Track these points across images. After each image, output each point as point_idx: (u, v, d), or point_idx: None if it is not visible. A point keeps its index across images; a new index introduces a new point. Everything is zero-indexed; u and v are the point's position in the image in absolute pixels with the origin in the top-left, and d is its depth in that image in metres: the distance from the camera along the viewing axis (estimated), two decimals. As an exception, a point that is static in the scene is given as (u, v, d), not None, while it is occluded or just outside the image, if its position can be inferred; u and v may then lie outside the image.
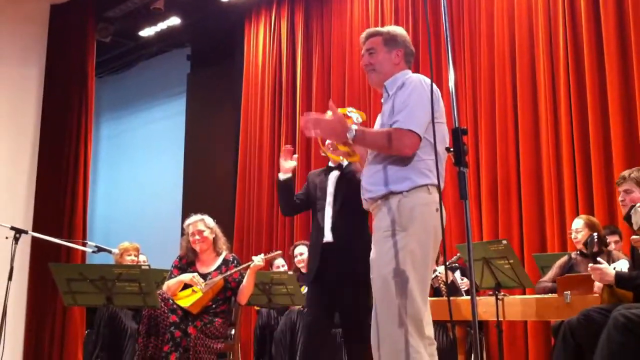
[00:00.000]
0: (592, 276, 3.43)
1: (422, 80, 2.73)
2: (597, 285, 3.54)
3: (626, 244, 4.77)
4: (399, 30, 2.93)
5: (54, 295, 7.07)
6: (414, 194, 2.62)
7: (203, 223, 4.58)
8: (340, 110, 2.76)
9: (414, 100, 2.65)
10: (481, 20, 6.15)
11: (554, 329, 4.08)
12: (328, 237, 3.71)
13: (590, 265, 3.40)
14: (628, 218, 3.22)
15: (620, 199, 3.55)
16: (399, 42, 2.87)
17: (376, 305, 2.62)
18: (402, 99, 2.68)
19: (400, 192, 2.63)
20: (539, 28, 5.72)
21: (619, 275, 3.30)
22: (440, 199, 2.58)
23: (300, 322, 5.08)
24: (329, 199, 3.75)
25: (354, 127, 2.66)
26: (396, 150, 2.63)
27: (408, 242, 2.58)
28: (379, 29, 2.98)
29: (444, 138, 2.72)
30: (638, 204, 3.23)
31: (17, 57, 7.90)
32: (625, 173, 3.53)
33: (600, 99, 5.29)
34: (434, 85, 2.64)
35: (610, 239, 4.61)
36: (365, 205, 2.83)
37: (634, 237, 3.13)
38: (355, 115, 3.05)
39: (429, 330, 2.67)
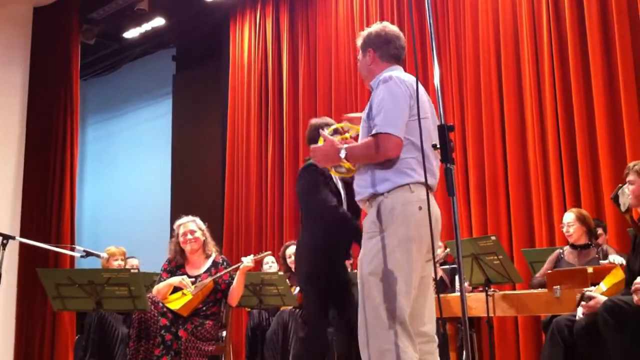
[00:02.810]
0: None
1: (395, 78, 2.71)
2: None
3: (611, 237, 4.80)
4: (373, 28, 2.93)
5: (43, 300, 7.03)
6: (394, 194, 2.63)
7: (195, 224, 4.59)
8: (336, 125, 2.91)
9: (387, 101, 2.65)
10: (466, 17, 6.16)
11: (544, 323, 4.10)
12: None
13: (582, 304, 3.24)
14: (615, 198, 3.18)
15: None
16: (368, 43, 2.90)
17: (362, 305, 2.63)
18: (377, 101, 2.69)
19: (382, 194, 2.65)
20: (523, 23, 5.75)
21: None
22: (428, 195, 2.57)
23: (293, 322, 5.07)
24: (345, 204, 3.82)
25: (344, 146, 2.72)
26: (382, 157, 2.64)
27: (388, 242, 2.58)
28: (361, 33, 3.00)
29: (429, 133, 2.68)
30: (626, 185, 3.20)
31: (0, 60, 7.83)
32: (630, 164, 3.42)
33: (585, 93, 5.32)
34: (413, 81, 2.65)
35: None
36: (361, 206, 2.87)
37: None
38: (349, 130, 3.13)
39: (429, 328, 2.68)
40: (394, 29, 2.92)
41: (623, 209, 3.14)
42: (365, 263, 2.63)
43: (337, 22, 7.33)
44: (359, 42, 2.95)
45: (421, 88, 2.74)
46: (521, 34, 5.77)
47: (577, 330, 3.24)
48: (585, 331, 3.19)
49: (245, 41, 8.18)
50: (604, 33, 5.28)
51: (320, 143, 2.85)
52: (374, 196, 2.68)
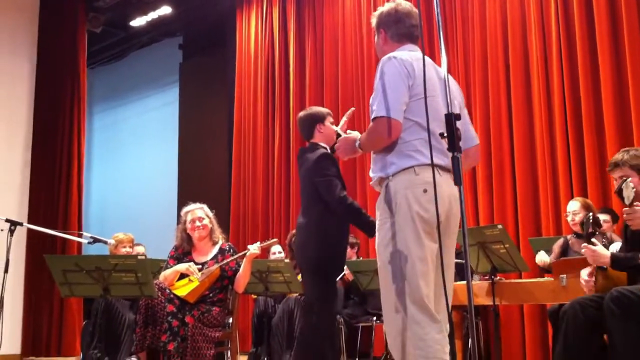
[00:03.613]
0: (587, 258, 3.33)
1: (393, 58, 2.65)
2: (585, 273, 3.39)
3: (619, 225, 4.79)
4: (385, 7, 2.88)
5: (50, 286, 7.08)
6: (398, 177, 2.62)
7: (203, 211, 4.60)
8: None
9: (384, 84, 2.61)
10: (473, 3, 6.13)
11: (550, 312, 4.10)
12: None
13: (583, 245, 3.30)
14: (619, 192, 3.16)
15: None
16: (379, 23, 2.87)
17: (382, 292, 2.65)
18: (375, 85, 2.67)
19: (387, 177, 2.65)
20: (531, 10, 5.72)
21: (614, 257, 3.21)
22: (434, 175, 2.47)
23: (299, 310, 5.09)
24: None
25: (358, 135, 2.82)
26: (382, 141, 2.63)
27: (398, 228, 2.58)
28: (374, 13, 2.95)
29: (437, 113, 2.60)
30: (629, 178, 3.17)
31: (7, 49, 7.84)
32: (618, 157, 3.31)
33: (593, 82, 5.30)
34: (415, 59, 2.62)
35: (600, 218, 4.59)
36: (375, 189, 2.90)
37: (625, 209, 3.06)
38: None
39: (440, 317, 2.67)
40: (405, 6, 2.84)
41: (627, 202, 3.12)
42: (381, 250, 2.64)
43: (344, 11, 7.30)
44: (373, 22, 2.91)
45: (431, 65, 2.70)
46: (529, 18, 5.74)
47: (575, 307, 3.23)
48: (581, 308, 3.19)
49: (252, 30, 8.17)
50: (611, 15, 5.25)
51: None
52: (382, 179, 2.69)
